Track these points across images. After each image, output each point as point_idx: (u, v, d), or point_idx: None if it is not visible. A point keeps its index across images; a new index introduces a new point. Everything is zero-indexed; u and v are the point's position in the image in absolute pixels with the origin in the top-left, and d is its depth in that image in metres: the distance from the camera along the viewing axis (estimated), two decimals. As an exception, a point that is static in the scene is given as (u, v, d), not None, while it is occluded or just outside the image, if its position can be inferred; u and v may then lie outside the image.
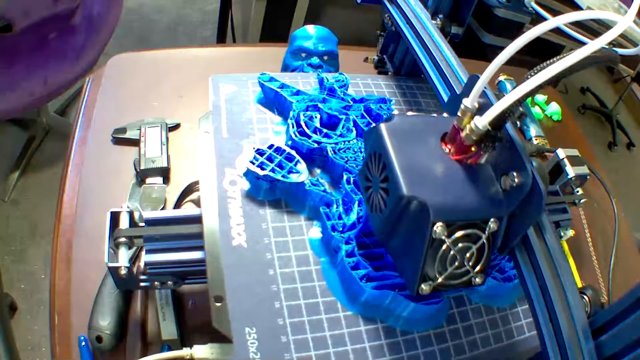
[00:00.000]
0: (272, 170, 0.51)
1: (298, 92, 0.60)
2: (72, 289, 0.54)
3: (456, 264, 0.38)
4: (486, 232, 0.37)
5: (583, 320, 0.37)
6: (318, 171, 0.56)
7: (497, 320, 0.51)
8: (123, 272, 0.46)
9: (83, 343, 0.50)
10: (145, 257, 0.47)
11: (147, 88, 0.76)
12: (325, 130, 0.56)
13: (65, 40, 1.11)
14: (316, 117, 0.57)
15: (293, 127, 0.55)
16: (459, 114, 0.38)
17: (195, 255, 0.49)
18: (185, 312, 0.55)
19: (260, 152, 0.53)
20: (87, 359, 0.50)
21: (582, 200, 0.76)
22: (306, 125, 0.56)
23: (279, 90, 0.59)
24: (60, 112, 1.63)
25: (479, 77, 0.37)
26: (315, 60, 0.71)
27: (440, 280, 0.38)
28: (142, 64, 0.81)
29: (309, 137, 0.55)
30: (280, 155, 0.53)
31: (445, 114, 0.48)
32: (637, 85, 2.55)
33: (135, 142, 0.68)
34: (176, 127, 0.72)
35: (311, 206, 0.52)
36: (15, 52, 1.03)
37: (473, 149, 0.38)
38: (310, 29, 0.72)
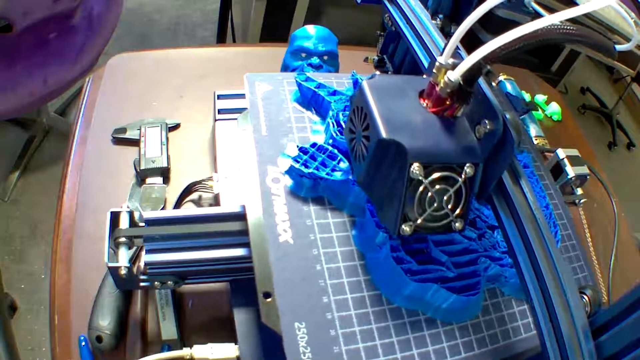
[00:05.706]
0: (317, 168, 0.52)
1: (335, 92, 0.60)
2: (72, 289, 0.55)
3: (435, 205, 0.40)
4: (462, 176, 0.40)
5: (583, 320, 0.37)
6: None
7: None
8: (123, 272, 0.46)
9: (83, 343, 0.50)
10: (145, 257, 0.48)
11: (147, 88, 0.76)
12: None
13: (65, 40, 1.11)
14: None
15: (333, 126, 0.56)
16: (434, 70, 0.41)
17: (198, 255, 0.49)
18: (185, 312, 0.55)
19: (303, 150, 0.53)
20: (87, 359, 0.50)
21: (582, 200, 0.77)
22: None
23: (316, 89, 0.60)
24: (60, 112, 1.63)
25: None
26: (315, 60, 0.71)
27: (420, 221, 0.41)
28: (142, 64, 0.81)
29: None
30: (323, 153, 0.54)
31: (424, 76, 0.50)
32: (637, 85, 2.55)
33: (135, 142, 0.68)
34: (176, 127, 0.72)
35: (352, 203, 0.52)
36: (15, 52, 1.03)
37: (448, 102, 0.41)
38: (310, 29, 0.72)
